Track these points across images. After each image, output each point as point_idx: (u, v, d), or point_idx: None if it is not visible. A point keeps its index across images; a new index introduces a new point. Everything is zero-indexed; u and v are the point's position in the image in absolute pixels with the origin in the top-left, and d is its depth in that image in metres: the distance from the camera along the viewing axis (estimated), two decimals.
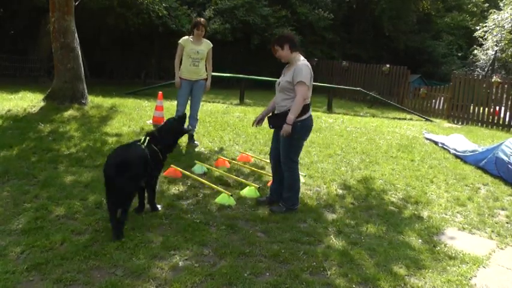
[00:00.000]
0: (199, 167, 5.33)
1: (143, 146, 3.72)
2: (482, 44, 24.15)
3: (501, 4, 23.68)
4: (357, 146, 7.49)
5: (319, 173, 5.66)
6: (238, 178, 5.06)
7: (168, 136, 3.96)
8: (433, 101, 14.29)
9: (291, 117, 4.04)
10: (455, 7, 28.74)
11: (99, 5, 13.67)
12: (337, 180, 5.46)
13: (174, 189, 4.63)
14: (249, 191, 4.65)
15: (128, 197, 3.47)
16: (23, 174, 4.69)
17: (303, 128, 4.21)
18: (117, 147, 3.84)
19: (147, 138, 3.82)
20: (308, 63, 4.19)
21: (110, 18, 14.47)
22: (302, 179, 5.24)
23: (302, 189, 4.96)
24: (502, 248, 3.93)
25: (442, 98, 13.95)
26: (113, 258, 3.10)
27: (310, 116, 4.28)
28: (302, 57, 4.25)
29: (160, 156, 3.88)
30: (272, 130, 4.47)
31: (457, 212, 4.78)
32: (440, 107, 13.91)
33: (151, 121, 7.70)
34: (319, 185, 5.22)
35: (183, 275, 2.96)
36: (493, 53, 22.91)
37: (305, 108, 4.15)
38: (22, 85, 11.98)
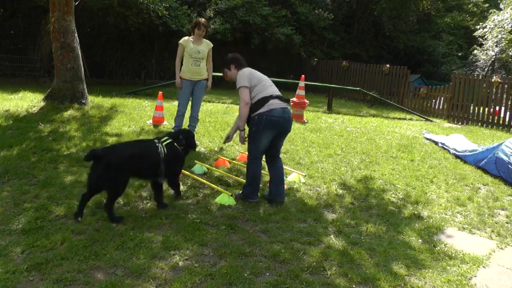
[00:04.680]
0: (199, 167, 5.33)
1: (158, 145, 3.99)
2: (482, 44, 24.19)
3: (501, 5, 23.71)
4: (357, 146, 7.48)
5: (319, 173, 5.66)
6: (238, 178, 5.05)
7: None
8: (433, 101, 14.28)
9: (239, 123, 4.42)
10: (455, 7, 28.79)
11: (99, 4, 13.68)
12: (337, 180, 5.46)
13: None
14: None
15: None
16: (23, 174, 4.69)
17: (261, 121, 4.24)
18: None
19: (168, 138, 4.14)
20: (247, 70, 4.38)
21: (110, 18, 14.47)
22: (302, 179, 5.27)
23: (302, 189, 4.97)
24: (502, 248, 3.93)
25: (442, 98, 13.94)
26: (113, 258, 3.10)
27: (271, 110, 4.23)
28: (247, 70, 4.43)
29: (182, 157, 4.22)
30: None
31: (457, 212, 4.78)
32: (440, 107, 13.91)
33: (151, 121, 7.69)
34: (319, 185, 5.22)
35: (183, 275, 2.96)
36: (493, 53, 22.94)
37: (260, 103, 4.24)
38: (22, 85, 12.00)
